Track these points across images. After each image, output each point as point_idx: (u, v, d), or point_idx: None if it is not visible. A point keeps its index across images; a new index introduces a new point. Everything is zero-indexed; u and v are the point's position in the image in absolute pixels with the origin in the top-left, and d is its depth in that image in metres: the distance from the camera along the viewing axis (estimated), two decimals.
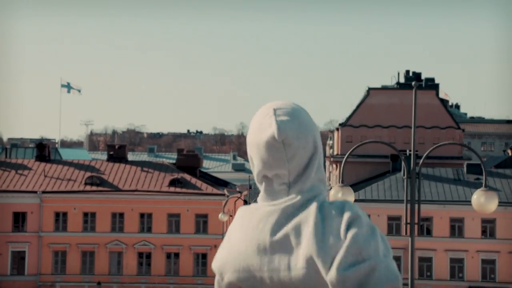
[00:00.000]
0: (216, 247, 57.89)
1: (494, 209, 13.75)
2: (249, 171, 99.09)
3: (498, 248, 56.85)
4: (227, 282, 2.44)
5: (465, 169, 60.51)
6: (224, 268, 2.44)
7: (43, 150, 66.15)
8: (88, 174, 62.75)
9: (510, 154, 70.46)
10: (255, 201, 2.55)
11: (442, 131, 66.02)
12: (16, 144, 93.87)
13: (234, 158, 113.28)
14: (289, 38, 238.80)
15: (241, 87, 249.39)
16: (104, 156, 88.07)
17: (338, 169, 66.89)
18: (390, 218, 56.67)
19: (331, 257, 2.27)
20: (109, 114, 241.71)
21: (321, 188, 2.41)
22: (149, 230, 60.78)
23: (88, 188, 61.48)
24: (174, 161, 69.47)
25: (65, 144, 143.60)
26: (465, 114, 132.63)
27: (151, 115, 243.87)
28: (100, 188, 61.42)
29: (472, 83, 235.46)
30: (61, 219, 60.72)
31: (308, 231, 2.31)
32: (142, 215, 60.71)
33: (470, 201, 14.64)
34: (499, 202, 14.85)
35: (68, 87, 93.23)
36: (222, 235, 56.08)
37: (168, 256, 60.68)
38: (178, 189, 61.22)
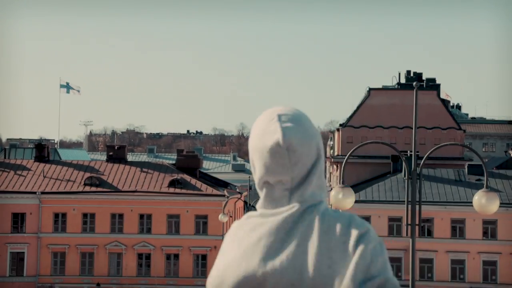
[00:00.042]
0: (216, 248, 57.78)
1: (495, 210, 13.76)
2: (249, 172, 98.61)
3: (499, 250, 56.80)
4: None
5: (466, 170, 60.48)
6: (222, 287, 2.37)
7: (42, 151, 66.10)
8: (88, 174, 62.67)
9: (511, 155, 70.27)
10: (254, 206, 2.38)
11: (443, 131, 65.89)
12: (15, 145, 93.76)
13: (234, 158, 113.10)
14: (290, 38, 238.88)
15: (241, 87, 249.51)
16: (103, 157, 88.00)
17: (338, 170, 66.71)
18: (391, 219, 56.55)
19: (338, 272, 2.25)
20: (108, 115, 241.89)
21: (322, 195, 2.39)
22: (148, 231, 60.70)
23: (87, 188, 61.41)
24: (173, 162, 69.43)
25: (64, 144, 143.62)
26: (466, 114, 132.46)
27: (150, 115, 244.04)
28: (99, 189, 61.35)
29: (473, 84, 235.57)
30: (60, 220, 60.67)
31: (313, 245, 2.29)
32: (141, 216, 60.64)
33: (471, 202, 14.70)
34: (501, 203, 14.97)
35: (67, 87, 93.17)
36: (222, 236, 55.89)
37: (168, 257, 60.61)
38: (177, 190, 61.14)
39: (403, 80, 72.96)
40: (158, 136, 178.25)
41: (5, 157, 73.27)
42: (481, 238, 57.25)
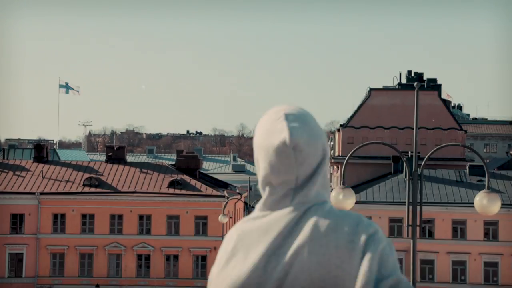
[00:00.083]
0: (216, 249, 57.61)
1: (497, 211, 13.77)
2: (249, 173, 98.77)
3: (501, 251, 56.75)
4: None
5: (467, 170, 60.45)
6: None
7: (41, 151, 66.08)
8: (87, 175, 62.62)
9: None
10: (254, 207, 2.48)
11: (444, 132, 65.75)
12: (14, 145, 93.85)
13: (234, 159, 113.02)
14: (290, 38, 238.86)
15: (241, 87, 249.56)
16: (102, 157, 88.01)
17: (339, 171, 66.50)
18: (392, 220, 56.42)
19: (347, 272, 2.24)
20: (107, 115, 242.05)
21: (326, 195, 2.38)
22: (148, 232, 60.68)
23: (86, 189, 61.38)
24: (173, 162, 69.45)
25: (63, 145, 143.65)
26: (468, 115, 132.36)
27: (150, 115, 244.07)
28: (98, 190, 61.32)
29: (474, 84, 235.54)
30: (59, 220, 60.67)
31: (320, 244, 2.26)
32: (141, 217, 60.62)
33: (472, 203, 14.75)
34: (502, 204, 15.10)
35: (67, 87, 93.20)
36: (222, 237, 55.72)
37: (168, 258, 60.59)
38: (177, 191, 61.08)
39: (404, 80, 72.78)
40: (158, 136, 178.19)
41: (3, 158, 73.30)
42: (483, 239, 57.19)
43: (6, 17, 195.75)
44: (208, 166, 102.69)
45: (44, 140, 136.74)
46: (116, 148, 67.74)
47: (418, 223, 15.24)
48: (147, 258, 60.59)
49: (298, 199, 2.34)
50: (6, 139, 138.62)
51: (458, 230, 57.41)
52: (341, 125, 69.24)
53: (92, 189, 61.38)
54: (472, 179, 59.03)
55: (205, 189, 61.45)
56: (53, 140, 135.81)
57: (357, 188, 56.30)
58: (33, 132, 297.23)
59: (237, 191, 66.86)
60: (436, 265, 57.13)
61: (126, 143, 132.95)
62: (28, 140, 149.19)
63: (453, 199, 57.60)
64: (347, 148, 63.26)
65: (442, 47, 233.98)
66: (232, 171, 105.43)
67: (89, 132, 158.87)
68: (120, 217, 60.52)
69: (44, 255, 60.34)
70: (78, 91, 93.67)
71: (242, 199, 58.69)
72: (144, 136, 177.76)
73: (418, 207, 15.31)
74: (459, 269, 57.19)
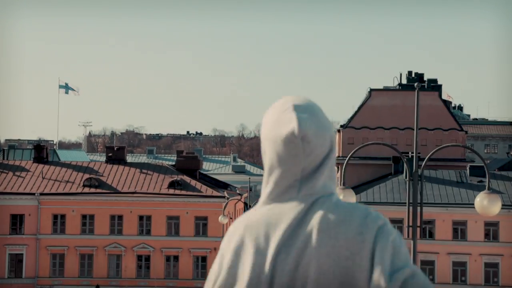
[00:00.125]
0: (216, 250, 57.54)
1: (497, 212, 13.77)
2: (250, 173, 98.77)
3: (501, 251, 56.74)
4: None
5: (468, 171, 60.42)
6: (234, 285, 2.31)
7: (41, 152, 66.06)
8: (87, 176, 62.60)
9: None
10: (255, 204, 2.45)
11: (444, 132, 65.71)
12: (13, 146, 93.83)
13: (234, 160, 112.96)
14: (290, 38, 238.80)
15: (241, 88, 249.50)
16: (102, 158, 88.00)
17: (339, 171, 66.37)
18: (392, 221, 56.30)
19: (357, 264, 2.23)
20: (107, 115, 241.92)
21: (332, 187, 2.37)
22: (148, 232, 60.67)
23: (86, 190, 61.37)
24: (173, 163, 69.44)
25: (63, 145, 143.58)
26: (468, 115, 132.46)
27: (150, 116, 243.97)
28: (98, 190, 61.32)
29: (475, 84, 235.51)
30: (59, 221, 60.68)
31: (329, 236, 2.25)
32: (141, 218, 60.61)
33: (473, 204, 14.81)
34: (503, 205, 15.15)
35: (66, 87, 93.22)
36: (222, 237, 55.55)
37: (168, 259, 60.58)
38: (177, 191, 61.06)
39: (404, 81, 72.68)
40: (158, 137, 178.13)
41: (3, 158, 73.28)
42: (483, 240, 57.17)
43: (6, 18, 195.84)
44: (208, 167, 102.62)
45: (44, 140, 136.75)
46: (116, 149, 67.73)
47: (418, 223, 15.23)
48: (147, 258, 60.57)
49: (305, 190, 2.33)
50: (6, 140, 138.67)
51: (459, 231, 57.39)
52: (341, 126, 69.18)
53: (92, 190, 61.37)
54: (473, 180, 59.01)
55: (205, 189, 61.42)
56: (53, 141, 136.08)
57: (357, 188, 56.29)
58: (33, 133, 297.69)
59: (237, 191, 66.85)
60: (436, 266, 57.11)
61: (126, 143, 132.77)
62: (28, 140, 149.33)
63: (454, 200, 57.58)
64: (348, 148, 63.16)
65: (442, 48, 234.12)
66: (232, 171, 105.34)
67: (89, 133, 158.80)
68: (120, 217, 60.50)
69: (44, 255, 60.33)
70: (78, 92, 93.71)
71: (242, 199, 58.74)
72: (144, 136, 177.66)
73: (419, 208, 15.32)
74: (459, 270, 57.17)
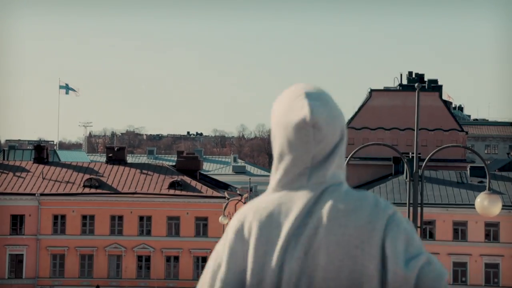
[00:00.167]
0: None
1: (498, 213, 13.88)
2: (250, 174, 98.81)
3: (502, 252, 56.71)
4: None
5: (468, 172, 60.40)
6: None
7: (41, 152, 66.02)
8: (87, 176, 62.58)
9: None
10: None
11: (445, 133, 65.70)
12: (14, 146, 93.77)
13: (235, 160, 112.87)
14: (291, 39, 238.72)
15: (242, 88, 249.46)
16: (103, 158, 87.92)
17: None
18: None
19: (367, 253, 2.23)
20: (108, 116, 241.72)
21: (341, 176, 2.38)
22: (148, 233, 60.65)
23: (86, 190, 61.34)
24: (173, 164, 69.38)
25: (63, 146, 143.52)
26: (469, 116, 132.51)
27: (150, 116, 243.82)
28: (99, 191, 61.29)
29: (475, 85, 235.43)
30: (59, 221, 60.66)
31: (339, 224, 2.25)
32: (141, 218, 60.59)
33: (473, 205, 15.03)
34: (503, 206, 15.08)
35: (67, 88, 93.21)
36: None
37: (168, 259, 60.56)
38: (177, 192, 61.04)
39: (405, 81, 72.67)
40: (158, 137, 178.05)
41: (4, 159, 73.26)
42: (483, 241, 57.14)
43: (6, 17, 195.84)
44: (208, 167, 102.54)
45: (44, 141, 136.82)
46: (117, 149, 67.70)
47: (418, 224, 15.37)
48: (148, 259, 60.55)
49: (315, 179, 2.33)
50: (6, 140, 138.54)
51: (459, 231, 57.37)
52: None
53: (92, 190, 61.35)
54: (473, 181, 58.99)
55: (206, 190, 61.40)
56: (53, 141, 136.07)
57: (357, 189, 56.23)
58: (33, 133, 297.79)
59: (238, 192, 66.79)
60: None
61: (127, 144, 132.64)
62: (28, 141, 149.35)
63: (454, 201, 57.57)
64: (348, 149, 62.13)
65: (443, 48, 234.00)
66: (232, 172, 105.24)
67: (89, 133, 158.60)
68: (121, 218, 60.49)
69: (44, 256, 60.31)
70: (78, 92, 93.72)
71: (243, 200, 58.59)
72: (145, 137, 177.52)
73: (419, 208, 15.36)
74: (459, 271, 57.15)
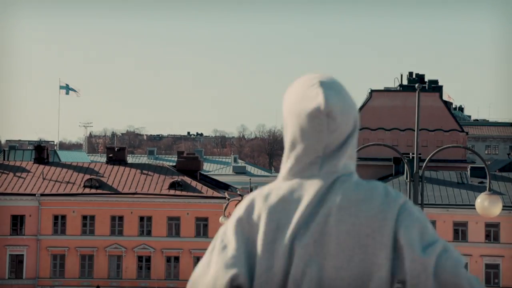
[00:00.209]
0: None
1: (498, 213, 13.94)
2: (250, 174, 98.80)
3: (502, 253, 56.68)
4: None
5: (468, 172, 60.37)
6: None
7: (42, 152, 65.97)
8: (87, 176, 62.55)
9: None
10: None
11: (445, 134, 65.70)
12: (14, 146, 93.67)
13: (235, 160, 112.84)
14: (291, 39, 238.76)
15: (242, 89, 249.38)
16: (103, 159, 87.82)
17: None
18: None
19: (378, 242, 2.23)
20: (108, 116, 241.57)
21: (352, 167, 2.37)
22: (148, 233, 60.63)
23: (87, 191, 61.31)
24: (174, 164, 69.35)
25: (63, 146, 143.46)
26: (469, 116, 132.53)
27: (151, 117, 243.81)
28: (99, 191, 61.26)
29: (476, 86, 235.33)
30: (59, 222, 60.64)
31: (350, 214, 2.25)
32: (141, 218, 60.57)
33: (473, 205, 14.92)
34: (503, 206, 15.05)
35: (67, 88, 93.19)
36: None
37: (168, 259, 60.54)
38: (178, 192, 61.01)
39: (405, 82, 72.71)
40: (158, 137, 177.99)
41: (4, 159, 73.12)
42: (484, 241, 57.11)
43: (7, 18, 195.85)
44: (208, 168, 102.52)
45: (45, 141, 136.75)
46: (117, 150, 67.66)
47: None
48: (148, 259, 60.54)
49: (327, 168, 2.32)
50: (7, 140, 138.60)
51: (459, 232, 57.34)
52: None
53: (93, 191, 61.33)
54: (474, 181, 58.96)
55: (206, 190, 61.38)
56: (53, 141, 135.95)
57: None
58: (33, 134, 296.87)
59: (238, 192, 66.72)
60: None
61: (127, 144, 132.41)
62: (29, 141, 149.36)
63: (454, 201, 57.55)
64: None
65: (443, 49, 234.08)
66: (233, 172, 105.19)
67: (90, 133, 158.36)
68: (121, 218, 60.47)
69: (45, 256, 60.29)
70: (78, 93, 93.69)
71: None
72: (145, 137, 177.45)
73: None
74: None
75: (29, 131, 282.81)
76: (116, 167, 64.29)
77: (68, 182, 62.14)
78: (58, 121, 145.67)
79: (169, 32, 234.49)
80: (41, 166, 64.05)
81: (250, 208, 2.33)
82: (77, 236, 60.26)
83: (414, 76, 74.06)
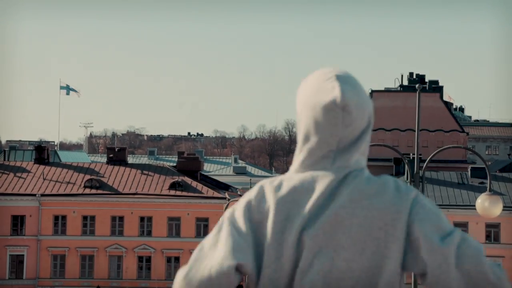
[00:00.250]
0: None
1: (499, 214, 13.95)
2: (251, 174, 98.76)
3: (503, 253, 56.64)
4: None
5: (469, 173, 60.35)
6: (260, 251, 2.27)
7: (42, 153, 65.95)
8: (88, 177, 62.55)
9: None
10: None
11: (446, 134, 65.71)
12: (14, 147, 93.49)
13: (235, 161, 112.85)
14: (291, 39, 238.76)
15: (242, 89, 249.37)
16: (103, 159, 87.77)
17: None
18: None
19: (391, 234, 2.23)
20: (108, 116, 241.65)
21: (363, 163, 2.37)
22: (149, 233, 60.64)
23: (87, 191, 61.31)
24: (174, 164, 69.33)
25: (64, 146, 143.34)
26: (469, 117, 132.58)
27: (151, 117, 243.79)
28: (99, 191, 61.25)
29: (476, 86, 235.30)
30: (60, 222, 60.63)
31: (362, 207, 2.25)
32: (142, 219, 60.57)
33: (474, 205, 14.93)
34: (504, 207, 15.05)
35: (67, 89, 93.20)
36: None
37: (168, 260, 60.54)
38: (178, 193, 61.01)
39: (405, 82, 72.74)
40: (159, 138, 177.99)
41: (4, 159, 73.07)
42: (484, 242, 57.04)
43: (7, 19, 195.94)
44: (209, 168, 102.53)
45: (45, 141, 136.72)
46: (117, 150, 67.66)
47: None
48: (148, 260, 60.54)
49: (339, 162, 2.32)
50: (7, 141, 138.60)
51: None
52: None
53: (93, 191, 61.33)
54: (474, 181, 58.93)
55: (206, 191, 61.38)
56: (54, 142, 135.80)
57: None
58: (34, 134, 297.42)
59: (238, 193, 66.77)
60: None
61: (127, 144, 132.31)
62: (29, 141, 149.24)
63: (455, 201, 57.53)
64: None
65: (444, 49, 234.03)
66: (233, 172, 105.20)
67: (90, 134, 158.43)
68: (121, 218, 60.48)
69: (45, 256, 60.29)
70: (79, 93, 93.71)
71: None
72: (145, 137, 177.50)
73: None
74: None
75: (29, 132, 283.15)
76: (116, 168, 64.29)
77: (68, 183, 62.14)
78: (58, 122, 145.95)
79: (170, 32, 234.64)
80: (42, 167, 64.05)
81: (261, 197, 2.32)
82: (77, 236, 60.27)
83: (414, 77, 74.10)
